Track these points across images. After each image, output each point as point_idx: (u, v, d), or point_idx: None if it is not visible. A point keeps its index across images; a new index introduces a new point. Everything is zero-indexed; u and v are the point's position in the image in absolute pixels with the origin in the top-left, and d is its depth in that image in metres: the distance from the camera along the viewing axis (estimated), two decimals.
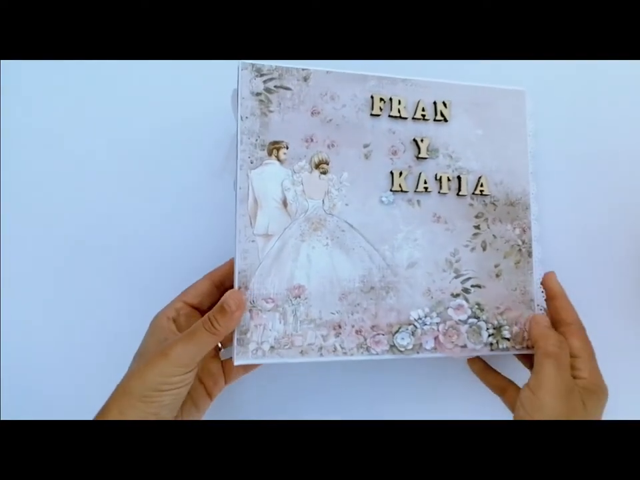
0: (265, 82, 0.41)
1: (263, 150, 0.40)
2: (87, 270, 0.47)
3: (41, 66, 0.47)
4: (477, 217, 0.44)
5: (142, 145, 0.48)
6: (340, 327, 0.40)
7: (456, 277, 0.43)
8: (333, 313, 0.40)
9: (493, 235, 0.44)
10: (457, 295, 0.43)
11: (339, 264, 0.41)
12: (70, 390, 0.46)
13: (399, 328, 0.41)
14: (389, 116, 0.43)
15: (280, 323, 0.39)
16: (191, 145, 0.48)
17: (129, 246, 0.48)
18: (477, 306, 0.43)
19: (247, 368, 0.43)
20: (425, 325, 0.41)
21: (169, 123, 0.48)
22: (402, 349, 0.41)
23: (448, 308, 0.42)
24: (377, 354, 0.41)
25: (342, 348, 0.40)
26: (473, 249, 0.43)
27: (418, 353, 0.41)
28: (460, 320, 0.42)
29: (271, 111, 0.41)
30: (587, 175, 0.52)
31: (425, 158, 0.43)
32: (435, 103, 0.44)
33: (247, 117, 0.40)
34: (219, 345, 0.43)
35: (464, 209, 0.44)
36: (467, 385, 0.48)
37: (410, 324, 0.41)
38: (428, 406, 0.49)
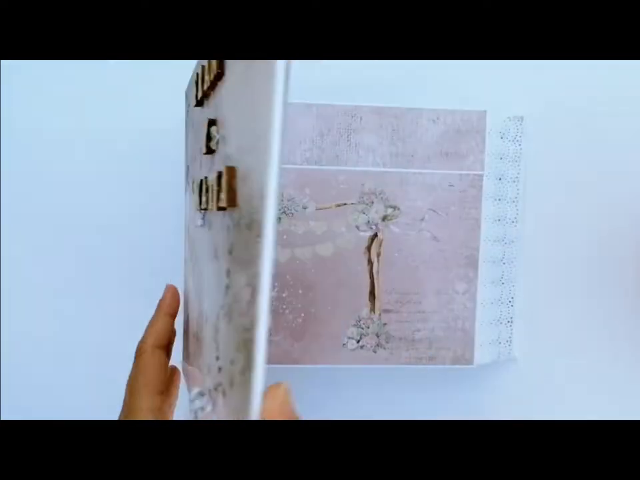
0: None
1: None
2: (86, 270, 0.48)
3: (41, 66, 0.47)
4: (216, 255, 0.26)
5: (143, 144, 0.48)
6: None
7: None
8: None
9: (234, 298, 0.23)
10: None
11: None
12: (70, 390, 0.47)
13: None
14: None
15: None
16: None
17: (127, 247, 0.48)
18: None
19: None
20: None
21: (170, 124, 0.46)
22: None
23: None
24: None
25: None
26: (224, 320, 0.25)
27: None
28: None
29: None
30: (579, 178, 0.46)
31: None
32: None
33: None
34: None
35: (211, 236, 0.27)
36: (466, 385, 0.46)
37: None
38: (425, 405, 0.48)
